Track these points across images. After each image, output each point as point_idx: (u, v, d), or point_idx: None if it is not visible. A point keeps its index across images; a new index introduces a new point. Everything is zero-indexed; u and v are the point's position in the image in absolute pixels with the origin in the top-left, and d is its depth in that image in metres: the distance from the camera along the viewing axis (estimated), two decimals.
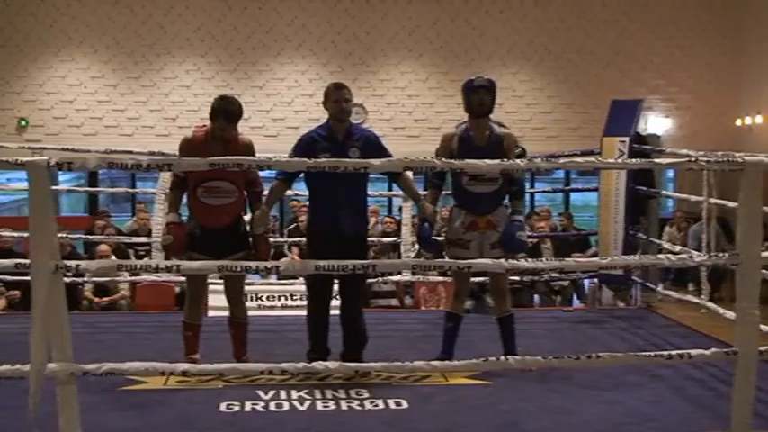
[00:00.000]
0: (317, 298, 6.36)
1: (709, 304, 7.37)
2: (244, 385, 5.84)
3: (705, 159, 4.76)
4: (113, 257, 10.18)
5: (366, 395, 5.74)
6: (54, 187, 8.24)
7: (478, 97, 6.20)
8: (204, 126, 6.21)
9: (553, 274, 9.71)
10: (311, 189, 6.28)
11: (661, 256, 5.04)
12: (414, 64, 16.10)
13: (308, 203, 6.72)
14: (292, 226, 12.57)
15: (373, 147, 6.17)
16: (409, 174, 6.33)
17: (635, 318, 8.52)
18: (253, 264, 4.57)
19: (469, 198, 6.31)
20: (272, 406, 5.55)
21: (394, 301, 10.26)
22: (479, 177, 6.16)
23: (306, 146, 6.12)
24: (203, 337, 6.60)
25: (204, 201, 6.04)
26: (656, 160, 5.47)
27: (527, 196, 17.14)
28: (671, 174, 16.10)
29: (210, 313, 8.50)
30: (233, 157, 4.64)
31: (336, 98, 6.18)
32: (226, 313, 8.41)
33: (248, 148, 6.03)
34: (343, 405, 5.57)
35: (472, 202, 6.31)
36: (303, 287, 8.75)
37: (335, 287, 6.41)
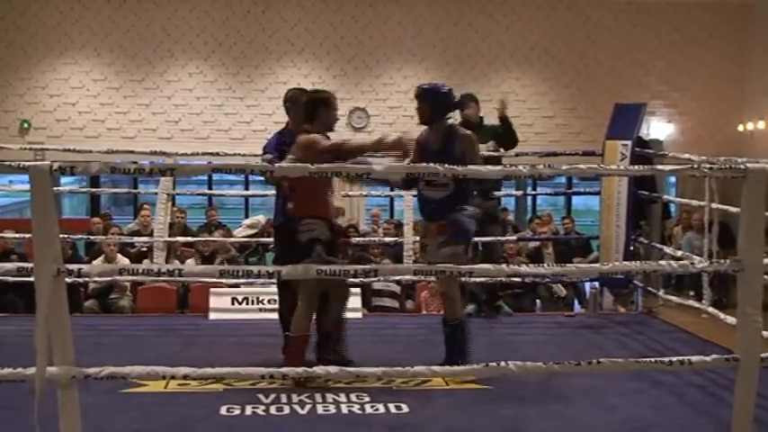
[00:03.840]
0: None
1: (711, 310, 7.36)
2: (244, 389, 5.85)
3: (707, 166, 4.76)
4: (120, 256, 10.21)
5: (367, 399, 5.74)
6: (56, 188, 8.25)
7: (416, 106, 6.41)
8: None
9: (558, 278, 9.72)
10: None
11: (663, 262, 5.03)
12: (416, 68, 16.09)
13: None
14: None
15: None
16: None
17: (636, 323, 8.51)
18: (254, 268, 4.57)
19: (424, 203, 6.42)
20: (273, 410, 5.55)
21: (388, 301, 10.18)
22: (432, 183, 6.21)
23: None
24: (204, 341, 6.62)
25: (331, 200, 6.26)
26: (659, 166, 5.47)
27: (528, 199, 17.28)
28: (673, 179, 16.09)
29: (212, 316, 8.52)
30: (238, 163, 4.63)
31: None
32: (227, 316, 8.45)
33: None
34: (344, 409, 5.57)
35: (426, 206, 6.41)
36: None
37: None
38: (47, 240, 4.09)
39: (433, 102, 6.35)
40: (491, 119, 9.15)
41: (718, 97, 16.55)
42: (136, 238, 10.88)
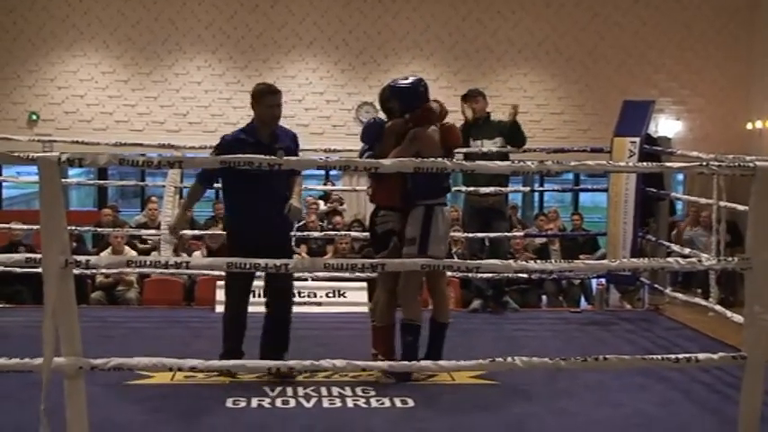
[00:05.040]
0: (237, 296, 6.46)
1: (718, 308, 7.35)
2: (250, 382, 5.86)
3: (716, 163, 4.75)
4: (127, 248, 10.21)
5: (372, 393, 5.75)
6: (63, 180, 8.26)
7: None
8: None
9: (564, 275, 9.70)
10: (231, 190, 6.25)
11: (670, 259, 5.02)
12: (424, 63, 16.06)
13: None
14: (301, 223, 12.58)
15: (295, 149, 6.23)
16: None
17: (642, 320, 8.51)
18: (261, 261, 4.57)
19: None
20: (279, 402, 5.56)
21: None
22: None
23: (230, 148, 5.74)
24: (210, 333, 6.60)
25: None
26: (667, 164, 5.47)
27: (535, 196, 17.26)
28: (681, 176, 16.06)
29: (218, 309, 8.52)
30: (246, 156, 4.61)
31: (270, 103, 6.14)
32: None
33: None
34: (350, 403, 5.58)
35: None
36: (310, 284, 8.81)
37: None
38: (55, 232, 4.09)
39: (395, 100, 6.39)
40: (498, 114, 9.16)
41: (726, 95, 16.50)
42: (143, 231, 10.88)
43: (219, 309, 8.47)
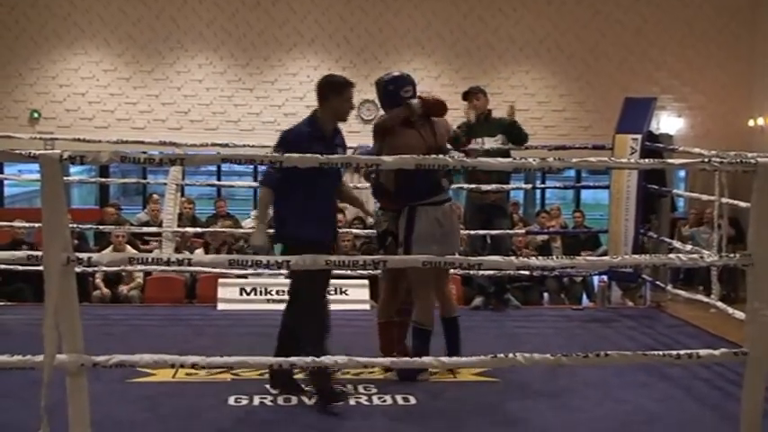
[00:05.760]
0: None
1: (719, 304, 7.35)
2: (252, 379, 5.86)
3: (718, 160, 4.75)
4: (128, 247, 10.21)
5: (374, 390, 5.76)
6: (65, 178, 8.26)
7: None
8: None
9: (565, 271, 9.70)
10: (299, 191, 5.42)
11: (672, 255, 5.03)
12: (426, 61, 16.06)
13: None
14: None
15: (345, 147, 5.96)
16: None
17: (644, 317, 8.51)
18: (263, 258, 4.58)
19: None
20: (281, 400, 5.57)
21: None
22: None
23: (298, 144, 5.21)
24: (212, 331, 6.61)
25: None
26: (669, 160, 5.46)
27: (537, 193, 17.26)
28: (682, 173, 16.06)
29: (220, 307, 8.54)
30: (247, 154, 4.63)
31: (349, 96, 5.64)
32: (235, 306, 8.47)
33: None
34: (351, 400, 5.58)
35: None
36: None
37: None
38: (56, 229, 4.10)
39: (377, 95, 6.40)
40: (500, 112, 9.16)
41: (727, 92, 16.50)
42: (145, 228, 10.88)
43: (221, 306, 8.51)
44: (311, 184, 5.36)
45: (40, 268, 4.15)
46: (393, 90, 6.25)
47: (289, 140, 5.42)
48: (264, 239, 5.49)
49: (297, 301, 5.63)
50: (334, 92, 5.57)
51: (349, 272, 8.05)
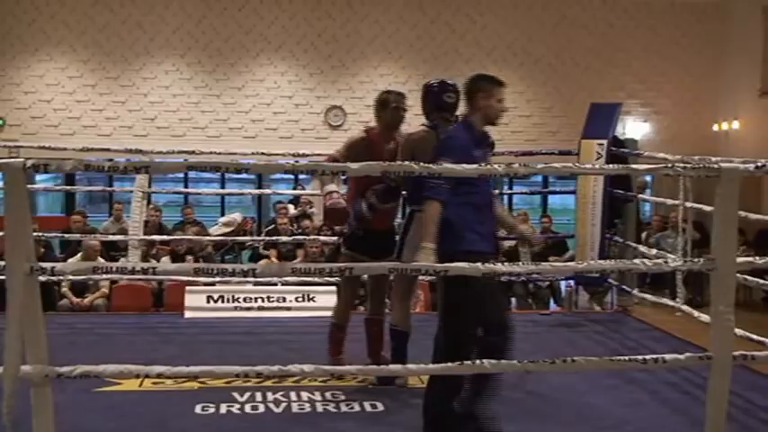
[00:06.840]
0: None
1: (685, 308, 7.40)
2: (219, 387, 5.83)
3: (682, 165, 4.78)
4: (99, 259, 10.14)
5: (342, 398, 5.74)
6: (30, 186, 8.18)
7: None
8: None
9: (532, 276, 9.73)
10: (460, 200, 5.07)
11: (637, 260, 5.04)
12: (393, 66, 16.11)
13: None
14: (271, 227, 12.56)
15: None
16: None
17: (611, 321, 8.55)
18: (229, 266, 4.56)
19: None
20: (248, 408, 5.55)
21: None
22: None
23: (464, 150, 5.06)
24: (179, 339, 6.57)
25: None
26: (634, 166, 5.49)
27: (505, 198, 17.29)
28: (648, 178, 16.16)
29: (187, 315, 8.49)
30: (214, 161, 4.62)
31: (501, 97, 5.19)
32: (202, 314, 8.41)
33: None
34: (319, 408, 5.57)
35: None
36: (280, 288, 8.77)
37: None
38: (20, 238, 4.05)
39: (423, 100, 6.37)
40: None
41: (693, 97, 16.66)
42: (111, 236, 10.81)
43: (188, 314, 8.46)
44: (474, 194, 5.13)
45: (3, 278, 4.10)
46: (437, 91, 6.25)
47: (455, 147, 5.13)
48: (435, 261, 4.91)
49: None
50: (482, 92, 5.18)
51: (317, 278, 8.04)
